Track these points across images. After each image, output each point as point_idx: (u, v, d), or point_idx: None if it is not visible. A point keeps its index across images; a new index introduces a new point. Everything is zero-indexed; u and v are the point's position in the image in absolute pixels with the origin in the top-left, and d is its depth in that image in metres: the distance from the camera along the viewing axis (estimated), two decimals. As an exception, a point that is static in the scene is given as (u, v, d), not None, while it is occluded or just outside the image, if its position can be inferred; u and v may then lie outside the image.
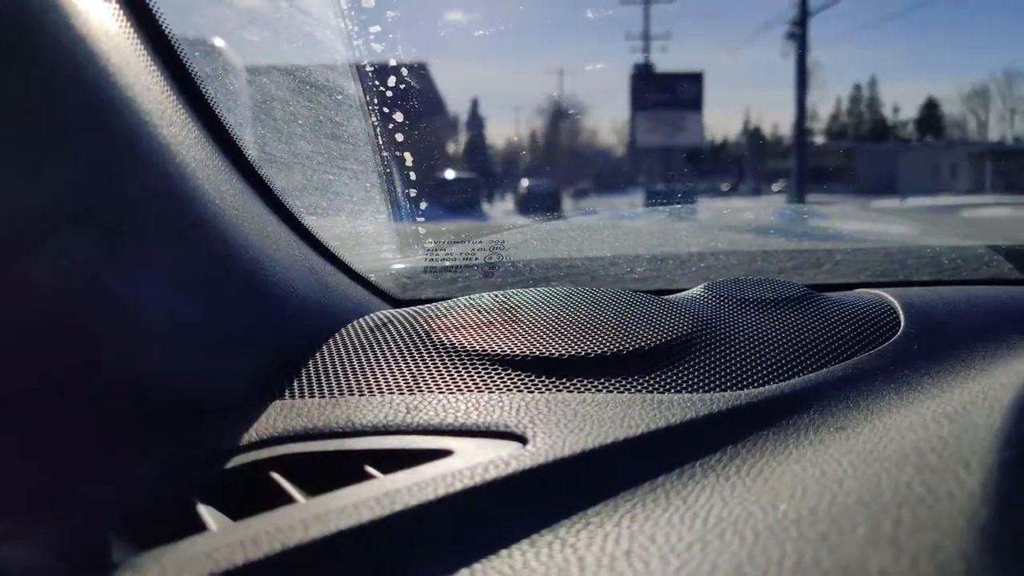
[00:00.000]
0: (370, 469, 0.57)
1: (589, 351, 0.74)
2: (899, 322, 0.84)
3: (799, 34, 22.69)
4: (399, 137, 1.33)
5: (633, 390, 0.69)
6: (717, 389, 0.69)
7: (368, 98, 1.32)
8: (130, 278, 0.60)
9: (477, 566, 0.45)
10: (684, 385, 0.70)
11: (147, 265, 0.62)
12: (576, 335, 0.78)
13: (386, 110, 1.31)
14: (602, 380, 0.70)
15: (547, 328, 0.80)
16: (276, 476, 0.58)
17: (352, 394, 0.71)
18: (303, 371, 0.76)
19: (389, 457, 0.58)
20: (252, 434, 0.63)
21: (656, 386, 0.69)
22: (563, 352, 0.74)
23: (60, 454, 0.60)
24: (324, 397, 0.70)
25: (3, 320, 0.53)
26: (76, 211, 0.55)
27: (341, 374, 0.74)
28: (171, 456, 0.61)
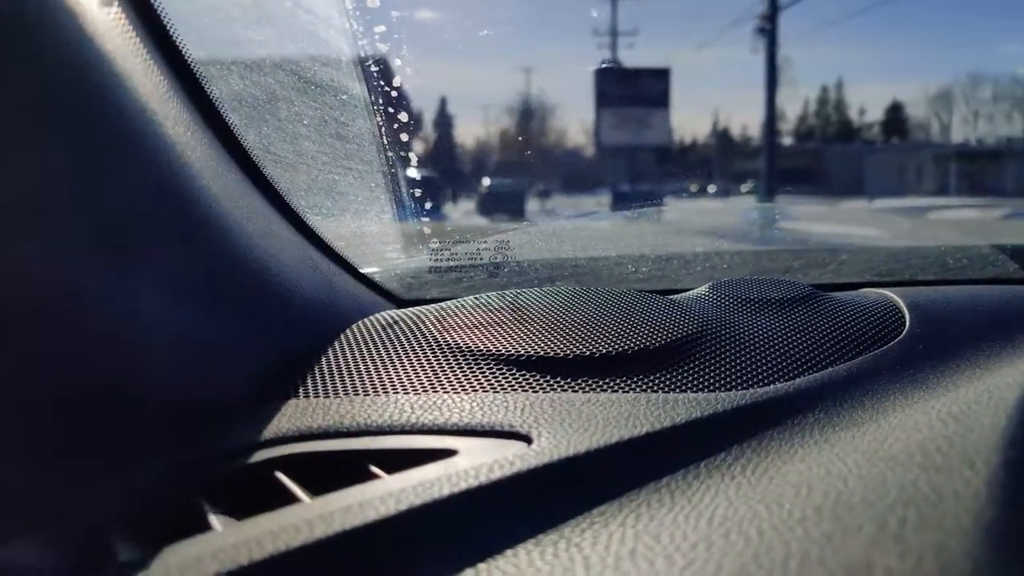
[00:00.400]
0: (375, 469, 0.57)
1: (594, 351, 0.74)
2: (904, 322, 0.84)
3: (769, 29, 22.58)
4: (404, 137, 1.33)
5: (638, 390, 0.69)
6: (722, 389, 0.69)
7: (373, 98, 1.32)
8: (135, 278, 0.60)
9: (482, 566, 0.45)
10: (689, 385, 0.70)
11: (152, 265, 0.62)
12: (581, 335, 0.78)
13: (391, 110, 1.31)
14: (607, 380, 0.70)
15: (552, 328, 0.80)
16: (281, 476, 0.58)
17: (357, 394, 0.71)
18: (308, 371, 0.76)
19: (394, 457, 0.59)
20: (257, 434, 0.63)
21: (661, 386, 0.70)
22: (568, 352, 0.74)
23: (64, 455, 0.60)
24: (329, 397, 0.70)
25: (5, 320, 0.53)
26: (79, 211, 0.55)
27: (346, 374, 0.74)
28: (176, 456, 0.61)
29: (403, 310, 0.92)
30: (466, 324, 0.83)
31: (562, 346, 0.75)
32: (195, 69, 0.75)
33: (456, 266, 1.24)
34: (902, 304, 0.88)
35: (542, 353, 0.74)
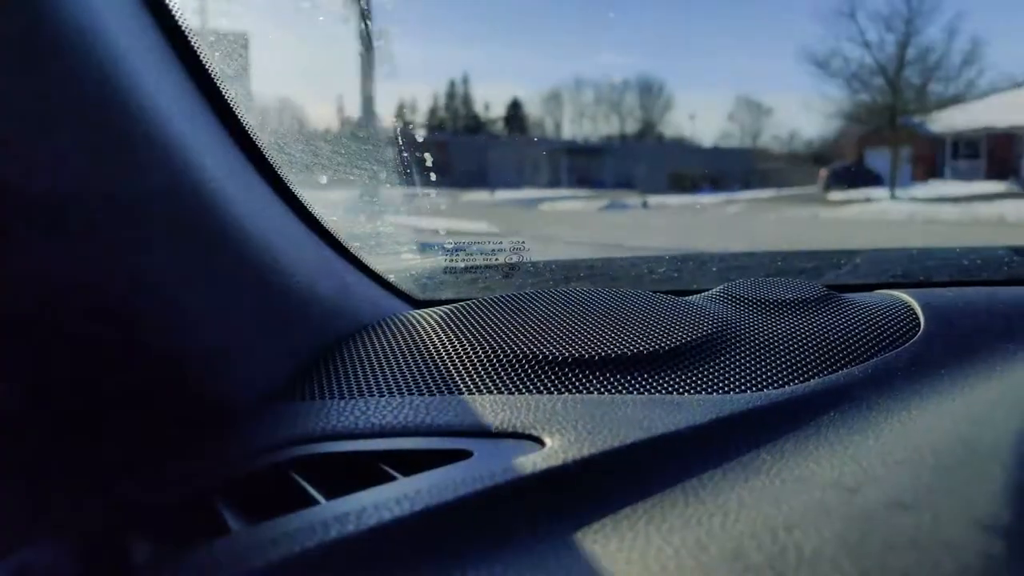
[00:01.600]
0: (389, 470, 0.57)
1: (608, 352, 0.74)
2: (919, 323, 0.84)
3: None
4: (419, 137, 1.33)
5: (652, 391, 0.69)
6: (737, 390, 0.69)
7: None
8: (148, 279, 0.60)
9: (497, 568, 0.45)
10: (704, 386, 0.70)
11: (166, 266, 0.62)
12: (595, 336, 0.78)
13: (406, 110, 1.31)
14: (621, 381, 0.70)
15: (566, 329, 0.80)
16: (297, 477, 0.58)
17: (372, 395, 0.71)
18: (323, 372, 0.76)
19: (408, 458, 0.59)
20: (272, 435, 0.63)
21: (676, 387, 0.70)
22: (582, 353, 0.74)
23: (82, 458, 0.61)
24: (344, 398, 0.71)
25: (18, 322, 0.53)
26: (93, 211, 0.55)
27: (361, 375, 0.75)
28: (192, 458, 0.62)
29: (418, 311, 0.92)
30: (481, 325, 0.83)
31: (576, 347, 0.75)
32: (211, 69, 0.76)
33: (471, 267, 1.24)
34: (917, 305, 0.88)
35: (556, 354, 0.74)
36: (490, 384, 0.71)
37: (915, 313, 0.86)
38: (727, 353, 0.76)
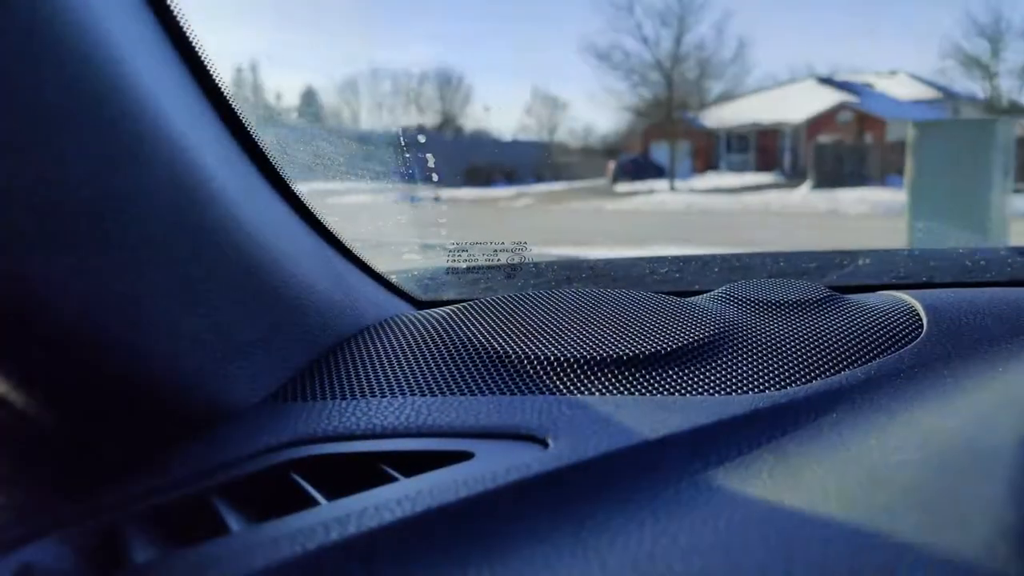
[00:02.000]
0: (391, 471, 0.57)
1: (610, 353, 0.74)
2: (922, 324, 0.83)
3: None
4: (421, 139, 1.33)
5: (654, 392, 0.69)
6: (739, 391, 0.69)
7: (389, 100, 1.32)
8: (150, 278, 0.60)
9: (499, 569, 0.45)
10: (706, 387, 0.70)
11: (167, 265, 0.62)
12: (597, 337, 0.78)
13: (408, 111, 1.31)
14: (623, 382, 0.70)
15: (568, 330, 0.80)
16: (297, 478, 0.58)
17: (373, 395, 0.71)
18: (324, 373, 0.76)
19: (409, 459, 0.59)
20: (273, 436, 0.63)
21: (677, 388, 0.69)
22: (585, 354, 0.74)
23: (82, 457, 0.60)
24: (345, 399, 0.70)
25: (20, 321, 0.53)
26: (94, 210, 0.55)
27: (363, 376, 0.75)
28: (192, 459, 0.61)
29: (420, 311, 0.92)
30: (483, 326, 0.83)
31: (579, 348, 0.75)
32: (211, 69, 0.76)
33: (474, 267, 1.25)
34: (920, 307, 0.88)
35: (558, 355, 0.74)
36: (492, 385, 0.71)
37: (918, 314, 0.86)
38: (729, 354, 0.76)
